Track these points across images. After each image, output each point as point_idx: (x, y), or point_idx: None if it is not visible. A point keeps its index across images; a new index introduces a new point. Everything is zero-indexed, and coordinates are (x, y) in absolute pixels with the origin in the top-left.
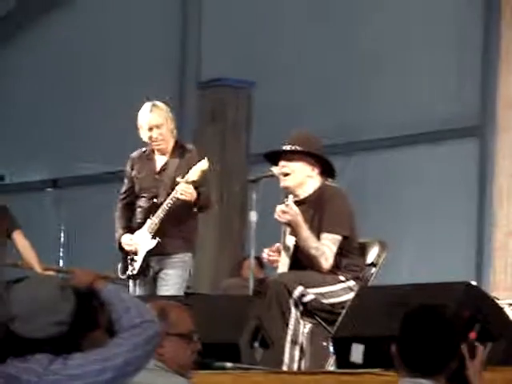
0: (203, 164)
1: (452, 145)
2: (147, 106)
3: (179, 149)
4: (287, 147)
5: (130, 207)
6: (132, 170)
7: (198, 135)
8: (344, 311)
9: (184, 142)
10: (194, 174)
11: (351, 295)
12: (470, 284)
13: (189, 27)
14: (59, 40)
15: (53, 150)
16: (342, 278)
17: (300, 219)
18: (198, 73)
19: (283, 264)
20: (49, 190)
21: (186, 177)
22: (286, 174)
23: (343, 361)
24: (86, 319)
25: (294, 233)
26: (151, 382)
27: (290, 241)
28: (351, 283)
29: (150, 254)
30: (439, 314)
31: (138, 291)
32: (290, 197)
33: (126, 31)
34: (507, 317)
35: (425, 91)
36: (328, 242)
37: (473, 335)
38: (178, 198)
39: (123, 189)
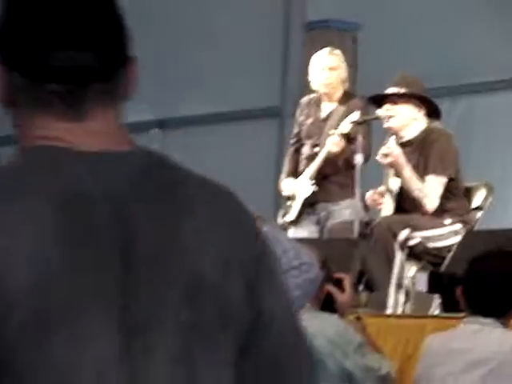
0: (354, 115)
1: None
2: (326, 49)
3: (347, 98)
4: (392, 90)
5: (298, 152)
6: (300, 115)
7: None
8: (450, 255)
9: (352, 92)
10: (345, 126)
11: (457, 239)
12: None
13: None
14: None
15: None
16: (447, 221)
17: (402, 159)
18: (303, 15)
19: (387, 207)
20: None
21: (339, 129)
22: (391, 117)
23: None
24: None
25: (397, 173)
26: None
27: (394, 184)
28: (457, 227)
29: (307, 200)
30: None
31: (299, 235)
32: (392, 137)
33: None
34: None
35: None
36: (433, 183)
37: None
38: (329, 151)
39: (293, 134)
